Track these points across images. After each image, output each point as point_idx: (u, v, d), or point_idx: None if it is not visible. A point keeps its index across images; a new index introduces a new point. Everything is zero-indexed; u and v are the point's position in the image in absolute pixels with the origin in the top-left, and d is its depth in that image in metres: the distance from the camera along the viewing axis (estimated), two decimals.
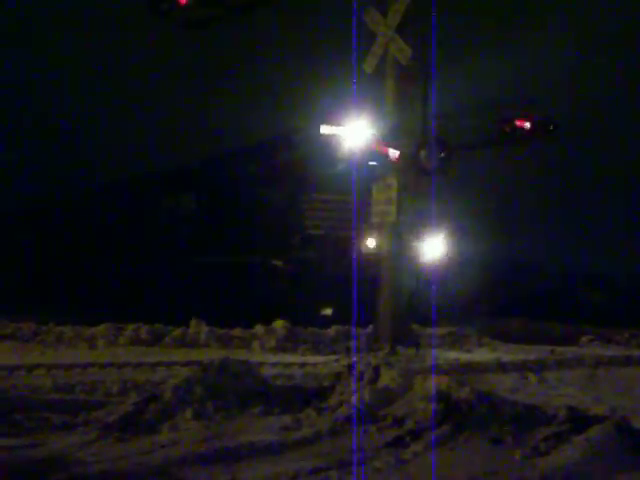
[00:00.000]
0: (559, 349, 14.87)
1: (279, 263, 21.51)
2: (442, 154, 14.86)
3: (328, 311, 19.69)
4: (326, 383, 9.13)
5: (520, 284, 26.20)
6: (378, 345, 14.06)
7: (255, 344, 14.25)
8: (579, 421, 6.78)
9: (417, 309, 15.26)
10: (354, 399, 7.60)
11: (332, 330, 15.40)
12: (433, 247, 15.10)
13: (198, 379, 7.87)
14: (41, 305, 19.50)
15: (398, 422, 7.04)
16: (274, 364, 11.82)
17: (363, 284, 13.81)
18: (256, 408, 7.67)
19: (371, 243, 15.96)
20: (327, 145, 15.54)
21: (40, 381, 9.71)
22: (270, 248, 21.48)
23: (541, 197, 32.16)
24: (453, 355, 13.89)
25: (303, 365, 12.06)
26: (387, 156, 14.73)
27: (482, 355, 14.19)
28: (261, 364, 11.00)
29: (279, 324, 14.95)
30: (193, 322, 15.01)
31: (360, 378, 8.05)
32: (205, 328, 14.79)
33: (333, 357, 12.96)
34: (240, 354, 11.90)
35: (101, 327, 14.84)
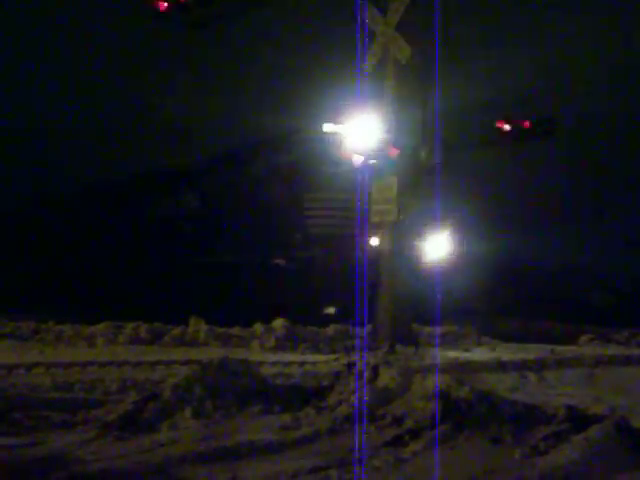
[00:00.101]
0: (558, 348, 14.87)
1: (281, 262, 21.52)
2: (442, 153, 14.87)
3: (331, 310, 19.70)
4: (325, 382, 9.14)
5: (520, 283, 26.21)
6: (377, 344, 14.07)
7: (254, 343, 14.26)
8: (578, 420, 6.78)
9: (417, 308, 15.26)
10: (353, 398, 7.61)
11: (331, 329, 15.41)
12: (435, 246, 15.11)
13: (197, 378, 7.87)
14: (40, 304, 19.49)
15: (397, 421, 7.04)
16: (273, 363, 11.82)
17: (367, 283, 13.82)
18: (255, 407, 7.67)
19: (375, 242, 15.95)
20: (329, 144, 15.56)
21: (39, 380, 9.71)
22: (272, 247, 21.48)
23: (541, 196, 32.15)
24: (452, 354, 13.90)
25: (302, 364, 12.06)
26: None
27: (481, 354, 14.20)
28: (260, 363, 11.00)
29: (278, 323, 14.96)
30: (192, 321, 15.01)
31: (359, 377, 8.05)
32: (204, 327, 14.79)
33: (332, 356, 12.97)
34: (239, 353, 11.90)
35: (100, 326, 14.84)
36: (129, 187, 28.09)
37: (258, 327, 14.94)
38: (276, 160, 22.72)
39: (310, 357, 13.03)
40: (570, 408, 7.19)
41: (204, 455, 6.13)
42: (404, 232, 14.87)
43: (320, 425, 7.04)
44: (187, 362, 11.16)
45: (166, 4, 14.91)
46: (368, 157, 14.83)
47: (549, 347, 14.91)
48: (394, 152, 14.61)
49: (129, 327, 14.76)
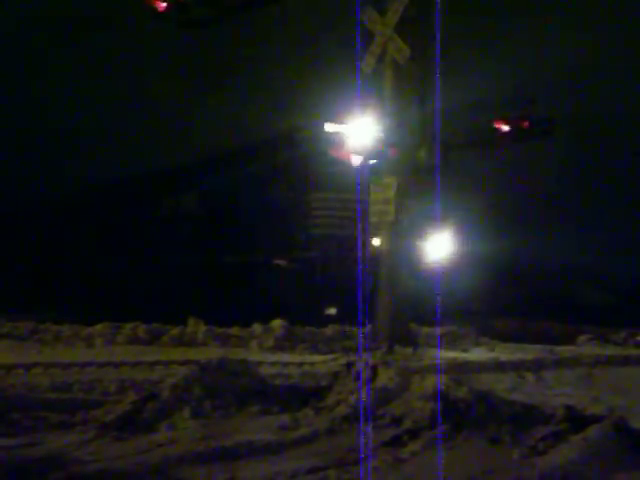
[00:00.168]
0: (557, 348, 14.89)
1: (282, 263, 21.49)
2: (441, 153, 14.87)
3: (332, 310, 19.69)
4: (324, 382, 9.14)
5: (519, 283, 26.22)
6: (376, 344, 14.06)
7: (253, 343, 14.25)
8: (577, 421, 6.79)
9: (416, 308, 15.27)
10: (352, 398, 7.61)
11: (330, 329, 15.41)
12: (434, 246, 15.11)
13: (196, 378, 7.87)
14: (39, 304, 19.49)
15: (396, 421, 7.04)
16: (272, 363, 11.82)
17: (369, 283, 13.81)
18: (254, 407, 7.67)
19: (376, 242, 15.94)
20: (327, 144, 15.56)
21: (38, 380, 9.70)
22: (273, 247, 21.46)
23: (540, 196, 32.17)
24: (451, 354, 13.90)
25: (301, 364, 12.06)
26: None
27: (480, 354, 14.21)
28: (259, 363, 10.99)
29: (277, 323, 14.96)
30: (191, 321, 15.01)
31: (358, 377, 8.06)
32: (203, 327, 14.79)
33: (331, 356, 12.97)
34: (238, 353, 11.90)
35: (99, 326, 14.83)
36: (128, 187, 28.06)
37: (257, 327, 14.94)
38: (277, 160, 22.69)
39: (309, 357, 13.03)
40: (568, 408, 7.20)
41: (203, 455, 6.12)
42: (403, 232, 14.86)
43: (319, 425, 7.04)
44: (186, 362, 11.15)
45: (165, 4, 14.91)
46: (367, 157, 14.84)
47: (547, 347, 14.93)
48: (393, 152, 14.61)
49: (127, 327, 14.75)
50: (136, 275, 23.84)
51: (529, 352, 14.23)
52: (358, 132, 14.67)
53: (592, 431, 6.35)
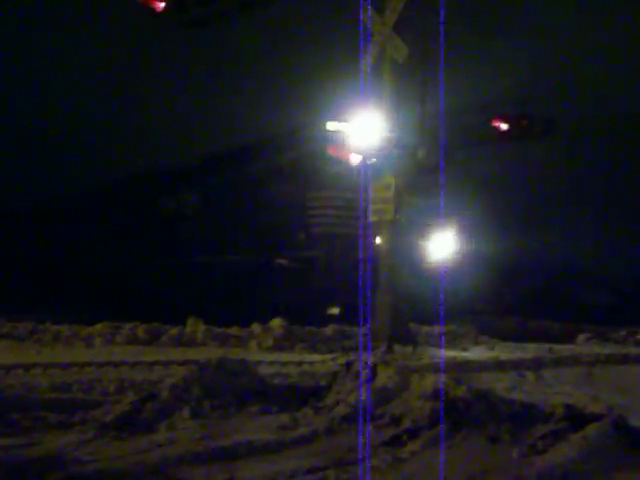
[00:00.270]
0: (556, 347, 14.90)
1: (284, 262, 21.46)
2: (440, 153, 14.87)
3: (335, 310, 19.66)
4: (323, 382, 9.14)
5: (518, 283, 26.22)
6: (376, 344, 14.06)
7: (252, 343, 14.25)
8: (576, 419, 6.78)
9: (415, 307, 15.27)
10: (351, 398, 7.60)
11: (329, 329, 15.41)
12: (435, 245, 15.11)
13: (195, 378, 7.86)
14: (38, 304, 19.48)
15: (395, 421, 7.03)
16: (271, 363, 11.81)
17: (371, 282, 13.78)
18: (253, 407, 7.67)
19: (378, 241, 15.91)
20: (326, 143, 15.55)
21: (37, 380, 9.69)
22: (275, 247, 21.41)
23: (540, 195, 32.17)
24: (451, 353, 13.90)
25: (300, 364, 12.06)
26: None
27: (479, 353, 14.21)
28: (258, 363, 10.99)
29: (276, 323, 14.95)
30: (190, 321, 15.01)
31: (357, 377, 8.05)
32: (202, 327, 14.79)
33: (330, 356, 12.96)
34: (237, 353, 11.90)
35: (98, 326, 14.83)
36: (129, 187, 28.03)
37: (256, 327, 14.94)
38: (278, 159, 22.65)
39: (308, 357, 13.02)
40: (568, 407, 7.19)
41: (202, 455, 6.12)
42: (403, 231, 14.87)
43: (318, 425, 7.03)
44: (185, 362, 11.14)
45: (163, 4, 14.90)
46: (366, 156, 14.83)
47: (547, 346, 14.94)
48: (393, 151, 14.61)
49: (127, 327, 14.75)
50: (135, 275, 23.83)
51: (529, 351, 14.23)
52: (359, 131, 14.67)
53: (592, 430, 6.34)
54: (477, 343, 15.80)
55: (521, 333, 17.38)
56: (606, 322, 18.92)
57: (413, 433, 6.70)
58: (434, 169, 15.13)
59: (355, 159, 15.04)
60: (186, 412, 7.37)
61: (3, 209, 32.02)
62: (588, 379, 11.56)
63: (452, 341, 15.52)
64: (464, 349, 14.84)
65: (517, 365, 12.53)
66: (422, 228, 15.07)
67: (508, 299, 22.75)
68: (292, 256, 21.46)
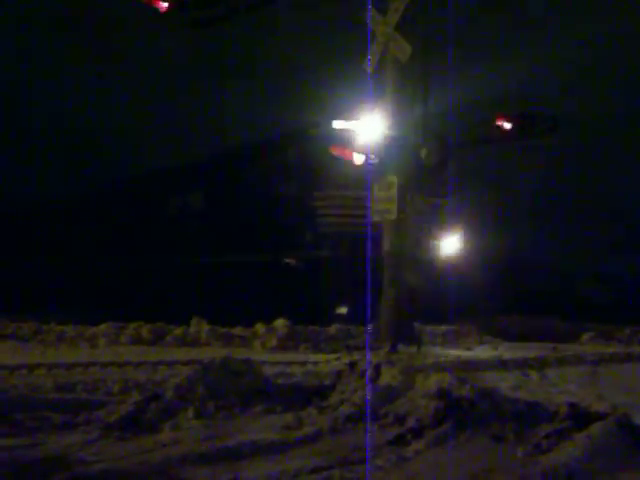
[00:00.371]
0: (560, 346, 14.88)
1: (292, 262, 21.41)
2: (444, 151, 14.87)
3: (343, 310, 19.62)
4: (327, 381, 9.14)
5: (522, 281, 26.19)
6: (380, 343, 14.07)
7: (256, 343, 14.26)
8: (581, 418, 6.76)
9: (420, 306, 15.25)
10: (355, 397, 7.60)
11: (333, 328, 15.41)
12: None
13: (199, 378, 7.86)
14: (42, 304, 19.51)
15: (399, 420, 7.03)
16: (275, 363, 11.80)
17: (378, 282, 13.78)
18: (257, 407, 7.67)
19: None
20: (335, 141, 15.54)
21: (41, 380, 9.70)
22: (282, 246, 21.36)
23: (543, 194, 32.16)
24: (454, 353, 13.90)
25: (304, 363, 12.05)
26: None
27: (483, 352, 14.20)
28: (262, 363, 10.96)
29: (280, 322, 14.96)
30: (194, 321, 15.02)
31: (361, 376, 8.05)
32: (206, 327, 14.80)
33: (334, 355, 12.96)
34: (241, 353, 11.89)
35: (102, 326, 14.85)
36: (134, 186, 28.05)
37: (260, 327, 14.94)
38: (287, 157, 22.60)
39: (312, 356, 13.02)
40: (572, 406, 7.17)
41: (206, 455, 6.12)
42: (406, 231, 14.86)
43: (322, 424, 7.02)
44: (189, 362, 11.15)
45: (167, 4, 14.90)
46: (369, 155, 14.83)
47: (551, 345, 14.92)
48: (395, 150, 14.61)
49: (131, 327, 14.77)
50: (140, 275, 23.84)
51: (533, 350, 14.22)
52: (365, 130, 14.67)
53: (596, 429, 6.33)
54: (481, 342, 15.79)
55: (525, 332, 17.37)
56: (610, 321, 18.89)
57: (417, 432, 6.70)
58: (437, 168, 15.12)
59: (358, 158, 15.02)
60: (190, 412, 7.37)
61: (7, 209, 32.10)
62: (592, 378, 11.54)
63: (456, 340, 15.52)
64: (468, 348, 14.84)
65: (521, 364, 12.52)
66: (425, 227, 15.06)
67: (511, 298, 22.70)
68: (300, 256, 21.41)
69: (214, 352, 11.97)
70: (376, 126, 14.68)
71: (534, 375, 11.57)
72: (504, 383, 10.44)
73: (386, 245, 14.97)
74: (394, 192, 14.63)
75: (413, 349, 13.83)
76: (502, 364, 12.57)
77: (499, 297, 22.21)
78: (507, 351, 14.18)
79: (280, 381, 9.71)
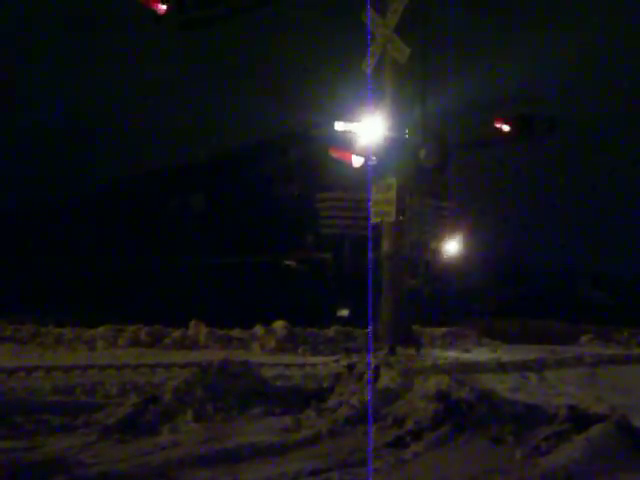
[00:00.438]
0: (559, 348, 14.86)
1: (293, 263, 21.37)
2: (442, 153, 14.86)
3: (345, 312, 19.57)
4: (326, 384, 9.13)
5: (520, 283, 26.20)
6: (378, 345, 14.05)
7: (255, 345, 14.24)
8: (580, 420, 6.76)
9: (418, 309, 15.25)
10: (354, 399, 7.60)
11: (332, 330, 15.40)
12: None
13: (198, 380, 7.86)
14: (40, 307, 19.48)
15: (398, 422, 7.03)
16: (274, 365, 11.78)
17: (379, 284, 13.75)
18: (256, 409, 7.66)
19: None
20: (334, 143, 15.53)
21: (39, 383, 9.69)
22: (283, 248, 21.31)
23: (543, 195, 32.20)
24: (453, 355, 13.89)
25: (303, 366, 12.04)
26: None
27: (482, 355, 14.18)
28: (261, 365, 10.97)
29: (279, 324, 14.94)
30: (192, 323, 15.01)
31: (360, 378, 8.05)
32: (205, 329, 14.78)
33: (333, 358, 12.95)
34: (240, 355, 11.89)
35: (100, 329, 14.83)
36: (133, 187, 28.01)
37: (259, 329, 14.92)
38: (287, 158, 22.57)
39: (310, 359, 13.01)
40: (571, 408, 7.17)
41: (205, 458, 6.12)
42: (405, 233, 14.86)
43: (321, 427, 7.02)
44: (187, 365, 11.13)
45: (165, 7, 14.89)
46: (368, 157, 14.83)
47: (550, 347, 14.90)
48: (394, 152, 14.61)
49: (129, 330, 14.74)
50: (139, 276, 23.81)
51: (531, 352, 14.20)
52: (366, 131, 14.67)
53: (595, 431, 6.32)
54: (480, 344, 15.77)
55: (524, 334, 17.36)
56: (609, 323, 18.89)
57: (416, 434, 6.70)
58: (436, 170, 15.12)
59: (357, 161, 15.02)
60: (189, 414, 7.36)
61: (6, 209, 32.08)
62: (591, 380, 11.53)
63: (455, 342, 15.50)
64: (466, 350, 14.82)
65: (520, 366, 12.50)
66: (424, 229, 15.06)
67: (510, 300, 22.69)
68: (301, 258, 21.35)
69: (212, 354, 11.97)
70: (374, 127, 14.67)
71: (533, 377, 11.56)
72: (503, 385, 10.44)
73: (385, 247, 14.96)
74: (393, 194, 14.62)
75: (412, 351, 13.82)
76: (501, 366, 12.56)
77: (498, 299, 22.22)
78: (506, 353, 14.16)
79: (279, 383, 9.71)
